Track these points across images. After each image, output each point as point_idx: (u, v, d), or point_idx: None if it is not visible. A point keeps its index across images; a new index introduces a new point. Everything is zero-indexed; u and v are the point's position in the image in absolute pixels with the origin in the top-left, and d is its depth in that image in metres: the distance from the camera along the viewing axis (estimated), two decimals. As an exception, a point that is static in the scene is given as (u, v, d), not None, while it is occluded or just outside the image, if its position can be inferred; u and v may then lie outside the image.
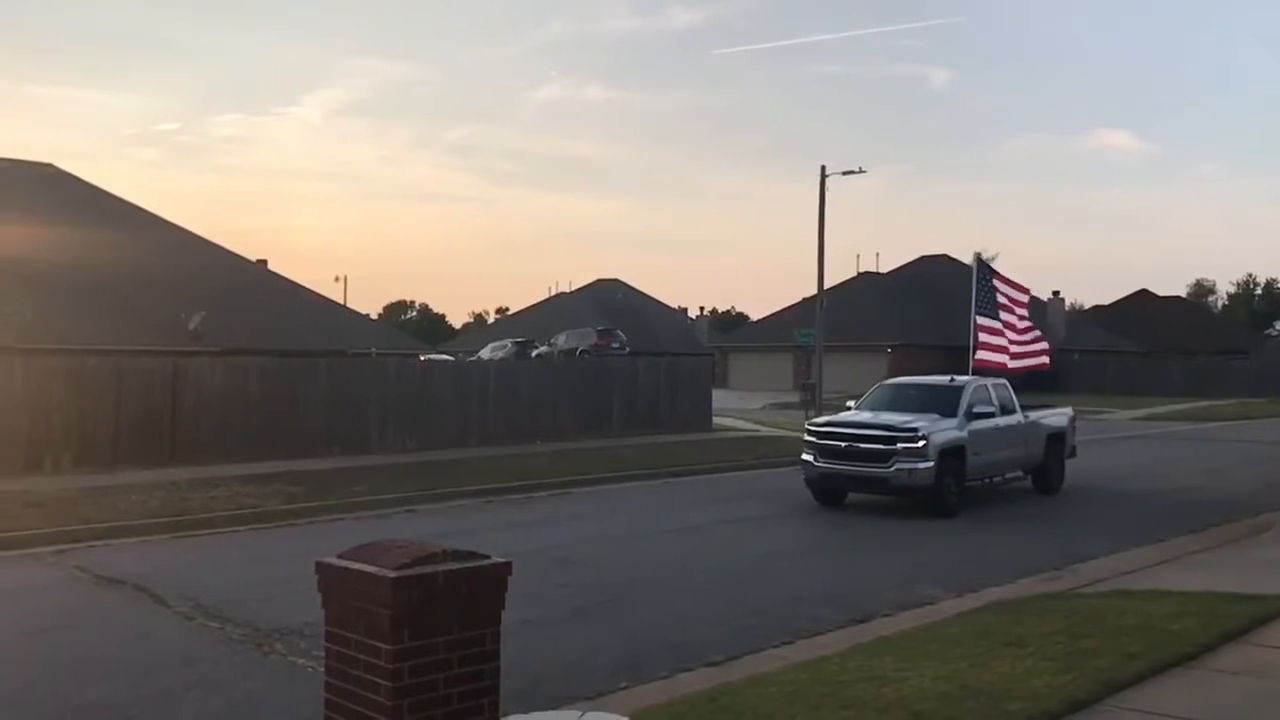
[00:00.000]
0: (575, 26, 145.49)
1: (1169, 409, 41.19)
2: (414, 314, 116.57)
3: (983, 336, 18.61)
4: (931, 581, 10.48)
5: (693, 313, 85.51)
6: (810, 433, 15.96)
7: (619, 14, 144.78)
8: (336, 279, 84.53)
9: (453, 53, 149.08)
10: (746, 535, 13.60)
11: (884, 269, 68.53)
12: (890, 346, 53.29)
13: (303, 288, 39.22)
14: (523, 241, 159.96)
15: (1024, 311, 19.43)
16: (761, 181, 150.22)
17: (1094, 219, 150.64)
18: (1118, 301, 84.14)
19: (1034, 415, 17.43)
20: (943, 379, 17.10)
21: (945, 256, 66.18)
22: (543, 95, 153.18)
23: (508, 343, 46.18)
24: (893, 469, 14.73)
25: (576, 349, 42.89)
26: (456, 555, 4.06)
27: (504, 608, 4.09)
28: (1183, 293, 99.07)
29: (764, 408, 40.80)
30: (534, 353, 42.46)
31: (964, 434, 15.38)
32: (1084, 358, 62.28)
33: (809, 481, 15.79)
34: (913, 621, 8.66)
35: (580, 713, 5.70)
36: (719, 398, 33.82)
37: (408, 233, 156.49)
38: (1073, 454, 18.38)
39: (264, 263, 42.09)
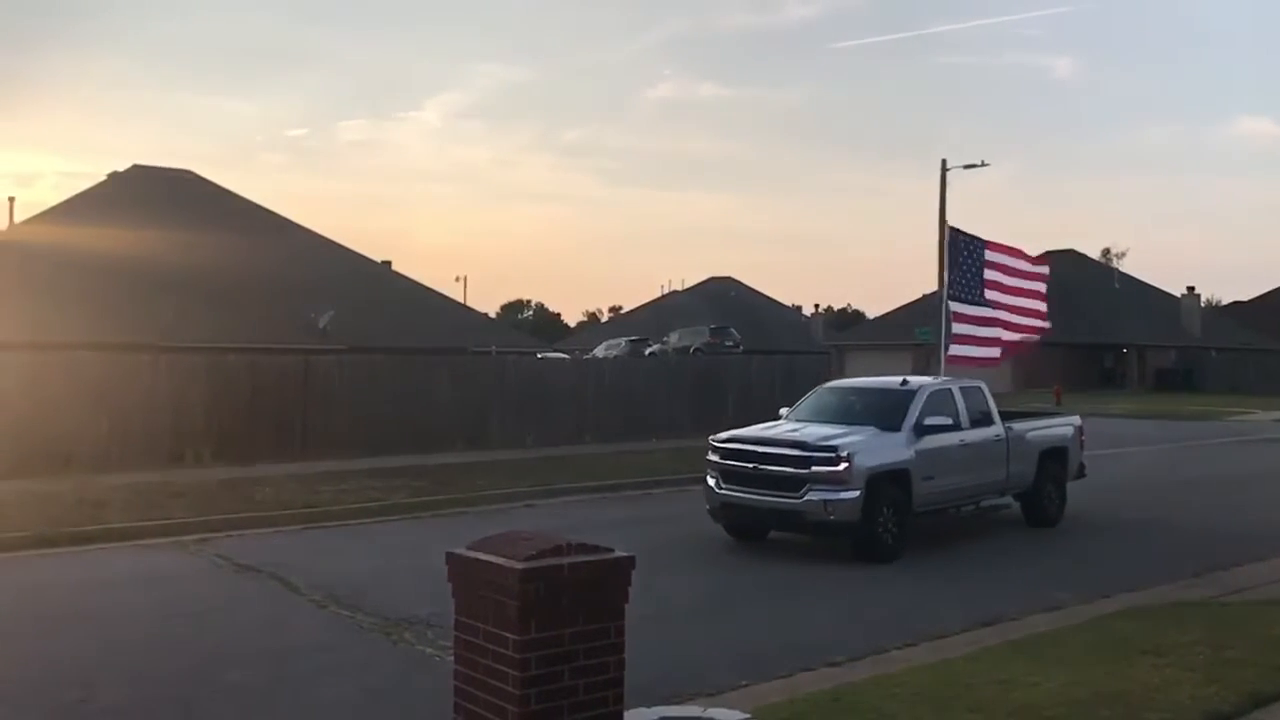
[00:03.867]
0: (691, 24, 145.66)
1: (1317, 409, 38.93)
2: (530, 313, 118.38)
3: (959, 328, 15.61)
4: (1060, 584, 10.16)
5: (807, 310, 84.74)
6: (713, 449, 12.56)
7: (736, 9, 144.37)
8: (457, 279, 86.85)
9: (569, 54, 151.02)
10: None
11: (1007, 264, 66.42)
12: (1013, 344, 51.56)
13: (425, 287, 40.36)
14: (636, 240, 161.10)
15: (1029, 284, 16.74)
16: (879, 176, 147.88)
17: (1232, 210, 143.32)
18: (1258, 297, 79.96)
19: (1021, 426, 13.95)
20: (893, 380, 13.70)
21: (1072, 252, 63.96)
22: (657, 94, 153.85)
23: (622, 341, 46.58)
24: (806, 499, 11.44)
25: (690, 347, 42.93)
26: (582, 548, 4.10)
27: (628, 601, 4.12)
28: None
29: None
30: (648, 351, 42.67)
31: (909, 452, 11.99)
32: (1221, 356, 59.50)
33: (712, 513, 12.58)
34: (1042, 625, 8.40)
35: (702, 709, 5.71)
36: (835, 396, 33.30)
37: (524, 232, 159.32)
38: (1080, 474, 14.73)
39: (388, 263, 43.38)
